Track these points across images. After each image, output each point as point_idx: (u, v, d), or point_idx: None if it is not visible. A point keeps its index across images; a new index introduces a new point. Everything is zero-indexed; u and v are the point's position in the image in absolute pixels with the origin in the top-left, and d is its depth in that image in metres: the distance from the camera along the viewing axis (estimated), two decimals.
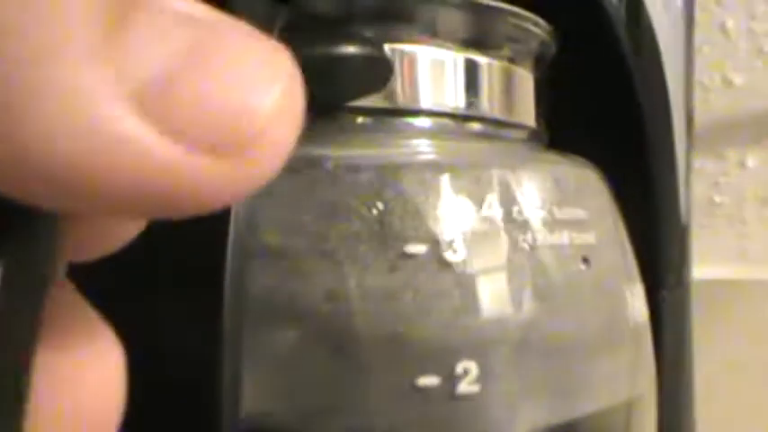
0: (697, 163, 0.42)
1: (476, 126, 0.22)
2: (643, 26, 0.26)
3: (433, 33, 0.21)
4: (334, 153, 0.19)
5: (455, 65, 0.21)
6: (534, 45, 0.24)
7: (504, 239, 0.19)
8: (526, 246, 0.20)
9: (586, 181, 0.23)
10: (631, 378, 0.22)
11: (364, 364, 0.18)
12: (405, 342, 0.18)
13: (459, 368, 0.18)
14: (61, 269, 0.12)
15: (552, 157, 0.23)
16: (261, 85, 0.11)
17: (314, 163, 0.19)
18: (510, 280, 0.19)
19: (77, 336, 0.12)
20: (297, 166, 0.18)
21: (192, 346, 0.16)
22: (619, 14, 0.26)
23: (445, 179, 0.19)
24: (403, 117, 0.21)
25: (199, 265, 0.16)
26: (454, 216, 0.19)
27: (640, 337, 0.23)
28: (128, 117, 0.10)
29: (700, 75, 0.42)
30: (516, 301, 0.19)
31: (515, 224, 0.20)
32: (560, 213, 0.21)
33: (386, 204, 0.18)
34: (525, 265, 0.19)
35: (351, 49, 0.19)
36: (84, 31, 0.10)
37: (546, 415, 0.19)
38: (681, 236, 0.28)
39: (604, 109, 0.26)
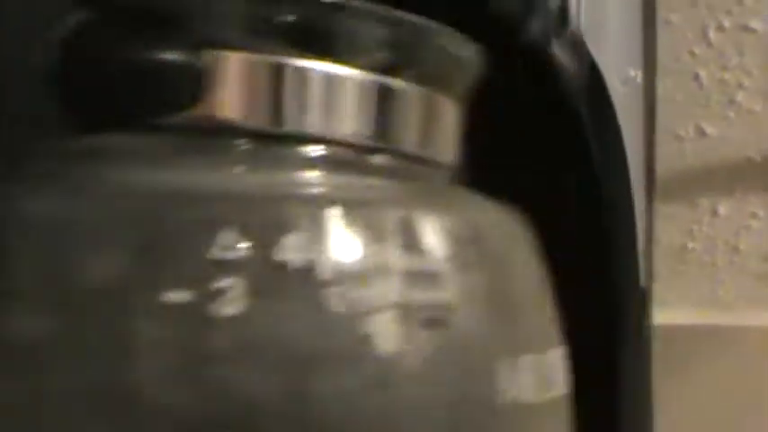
0: (670, 210, 0.43)
1: (381, 159, 0.20)
2: (600, 92, 0.27)
3: (332, 48, 0.18)
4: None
5: (364, 87, 0.19)
6: (460, 70, 0.22)
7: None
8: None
9: (475, 223, 0.20)
10: None
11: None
12: None
13: None
14: None
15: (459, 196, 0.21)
16: None
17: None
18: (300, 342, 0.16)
19: None
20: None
21: None
22: (576, 83, 0.27)
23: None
24: (283, 143, 0.18)
25: None
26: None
27: (516, 418, 0.19)
28: None
29: (673, 124, 0.43)
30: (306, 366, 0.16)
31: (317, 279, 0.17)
32: (401, 263, 0.17)
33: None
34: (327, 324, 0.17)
35: (148, 55, 0.17)
36: None
37: None
38: (640, 299, 0.29)
39: (560, 168, 0.27)
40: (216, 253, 0.16)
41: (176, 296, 0.16)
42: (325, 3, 0.18)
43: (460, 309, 0.18)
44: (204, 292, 0.16)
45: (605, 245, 0.27)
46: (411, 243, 0.18)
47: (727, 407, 0.41)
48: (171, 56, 0.17)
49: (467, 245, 0.19)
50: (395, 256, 0.17)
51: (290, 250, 0.16)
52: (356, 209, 0.17)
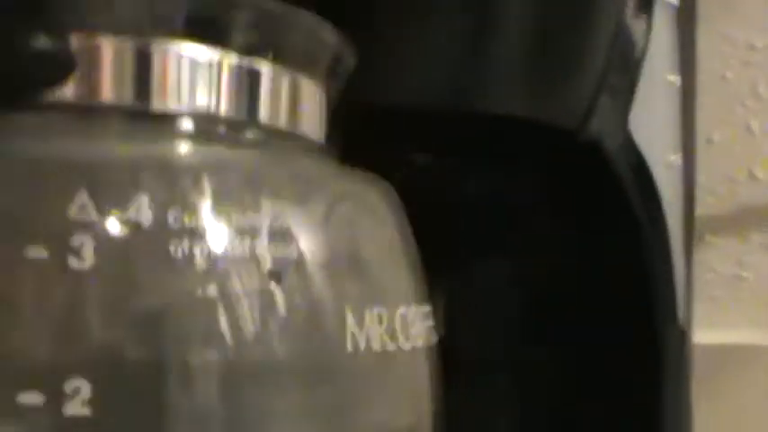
0: (725, 242, 0.50)
1: (249, 134, 0.21)
2: (645, 176, 0.34)
3: (200, 32, 0.20)
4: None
5: (232, 68, 0.21)
6: (325, 55, 0.23)
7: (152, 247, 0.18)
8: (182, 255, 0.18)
9: (338, 193, 0.21)
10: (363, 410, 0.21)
11: None
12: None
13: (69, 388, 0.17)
14: None
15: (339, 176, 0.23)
16: None
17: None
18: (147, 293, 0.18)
19: None
20: None
21: None
22: (626, 170, 0.34)
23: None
24: (157, 120, 0.20)
25: None
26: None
27: (365, 366, 0.20)
28: None
29: (729, 170, 0.50)
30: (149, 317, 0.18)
31: (175, 230, 0.18)
32: (250, 220, 0.19)
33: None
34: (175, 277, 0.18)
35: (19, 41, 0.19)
36: None
37: None
38: (679, 337, 0.35)
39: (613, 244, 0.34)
40: (72, 213, 0.18)
41: (35, 252, 0.18)
42: None
43: (308, 265, 0.19)
44: (61, 248, 0.18)
45: (649, 296, 0.34)
46: (262, 205, 0.19)
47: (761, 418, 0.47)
48: (43, 41, 0.19)
49: (317, 208, 0.20)
50: (247, 218, 0.19)
51: (144, 211, 0.18)
52: (211, 175, 0.19)
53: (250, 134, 0.22)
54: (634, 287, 0.34)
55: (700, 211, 0.50)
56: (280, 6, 0.21)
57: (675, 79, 0.36)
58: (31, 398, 0.17)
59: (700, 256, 0.50)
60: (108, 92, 0.20)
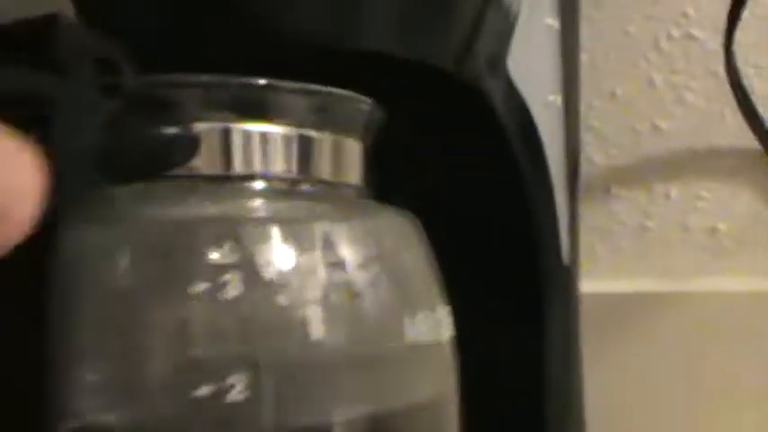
0: (630, 195, 0.51)
1: (306, 187, 0.28)
2: (525, 115, 0.35)
3: (275, 114, 0.27)
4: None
5: (290, 139, 0.27)
6: (361, 119, 0.30)
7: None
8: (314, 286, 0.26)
9: (376, 226, 0.29)
10: (410, 386, 0.28)
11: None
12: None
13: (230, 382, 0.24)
14: None
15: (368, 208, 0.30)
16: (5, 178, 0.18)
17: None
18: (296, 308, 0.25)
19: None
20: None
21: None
22: (505, 111, 0.35)
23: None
24: (240, 181, 0.27)
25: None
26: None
27: (420, 353, 0.28)
28: None
29: (632, 122, 0.51)
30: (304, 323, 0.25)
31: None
32: (338, 255, 0.26)
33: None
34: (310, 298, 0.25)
35: (157, 130, 0.25)
36: None
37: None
38: (564, 274, 0.36)
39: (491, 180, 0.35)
40: (219, 258, 0.25)
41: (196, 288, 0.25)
42: (261, 84, 0.27)
43: (371, 285, 0.27)
44: (215, 283, 0.25)
45: (531, 234, 0.35)
46: (330, 244, 0.26)
47: (667, 364, 0.48)
48: (170, 129, 0.26)
49: (369, 240, 0.28)
50: (319, 256, 0.26)
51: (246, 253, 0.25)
52: (289, 225, 0.26)
53: (308, 186, 0.28)
54: (517, 227, 0.35)
55: (606, 162, 0.51)
56: (326, 90, 0.28)
57: (555, 23, 0.37)
58: (203, 391, 0.24)
59: (607, 207, 0.51)
60: (206, 163, 0.26)
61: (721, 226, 0.50)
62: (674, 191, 0.50)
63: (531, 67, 0.35)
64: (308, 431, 0.25)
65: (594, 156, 0.51)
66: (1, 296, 0.22)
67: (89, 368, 0.24)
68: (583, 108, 0.44)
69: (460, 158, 0.35)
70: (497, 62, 0.34)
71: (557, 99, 0.36)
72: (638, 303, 0.49)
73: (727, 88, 0.47)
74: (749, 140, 0.47)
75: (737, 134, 0.49)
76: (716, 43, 0.48)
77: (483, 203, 0.35)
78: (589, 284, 0.43)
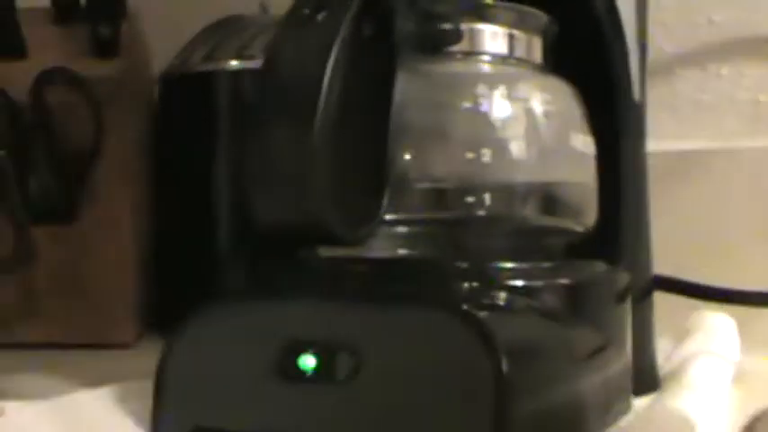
0: (687, 73, 0.64)
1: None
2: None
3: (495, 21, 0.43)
4: None
5: (504, 34, 0.43)
6: (541, 25, 0.44)
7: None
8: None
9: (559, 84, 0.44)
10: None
11: None
12: None
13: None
14: None
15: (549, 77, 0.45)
16: None
17: None
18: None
19: None
20: None
21: None
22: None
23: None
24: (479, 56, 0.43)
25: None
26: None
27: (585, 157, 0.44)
28: None
29: (693, 16, 0.63)
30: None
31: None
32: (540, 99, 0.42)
33: None
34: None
35: None
36: None
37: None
38: (636, 110, 0.49)
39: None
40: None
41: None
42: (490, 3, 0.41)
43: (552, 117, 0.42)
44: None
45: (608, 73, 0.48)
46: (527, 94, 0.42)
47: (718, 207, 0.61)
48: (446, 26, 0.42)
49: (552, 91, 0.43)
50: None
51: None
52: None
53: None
54: (594, 68, 0.48)
55: (670, 50, 0.63)
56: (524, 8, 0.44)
57: None
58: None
59: (670, 85, 0.64)
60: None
61: (762, 98, 0.63)
62: (725, 70, 0.63)
63: None
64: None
65: (663, 44, 0.63)
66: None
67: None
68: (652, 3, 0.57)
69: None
70: None
71: None
72: (694, 159, 0.62)
73: None
74: None
75: None
76: None
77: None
78: (655, 145, 0.55)
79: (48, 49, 0.64)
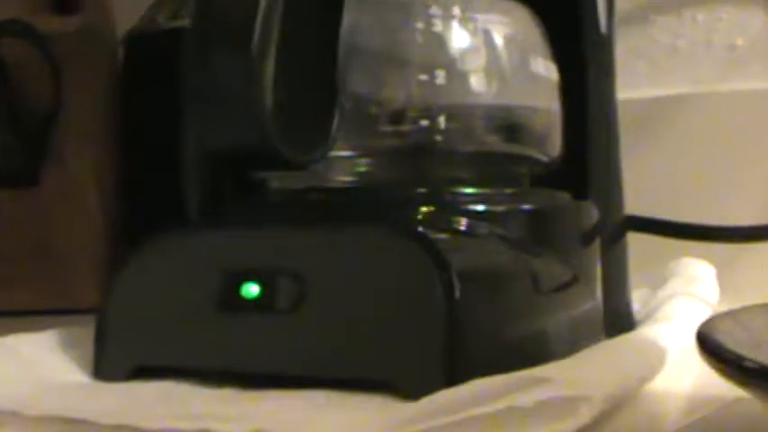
0: (662, 18, 0.62)
1: None
2: None
3: None
4: None
5: None
6: None
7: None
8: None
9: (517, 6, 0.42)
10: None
11: None
12: None
13: None
14: None
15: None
16: None
17: None
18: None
19: None
20: None
21: None
22: None
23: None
24: None
25: None
26: None
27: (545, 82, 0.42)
28: None
29: None
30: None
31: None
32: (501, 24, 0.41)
33: None
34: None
35: None
36: None
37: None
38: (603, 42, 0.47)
39: None
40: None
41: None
42: None
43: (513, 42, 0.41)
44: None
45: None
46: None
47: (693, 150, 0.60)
48: None
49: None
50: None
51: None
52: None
53: None
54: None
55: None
56: None
57: None
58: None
59: (644, 30, 0.62)
60: None
61: (739, 41, 0.61)
62: (700, 15, 0.61)
63: None
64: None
65: None
66: None
67: None
68: None
69: None
70: None
71: None
72: (670, 104, 0.61)
73: None
74: None
75: None
76: None
77: None
78: (629, 92, 0.54)
79: (4, 3, 0.62)
